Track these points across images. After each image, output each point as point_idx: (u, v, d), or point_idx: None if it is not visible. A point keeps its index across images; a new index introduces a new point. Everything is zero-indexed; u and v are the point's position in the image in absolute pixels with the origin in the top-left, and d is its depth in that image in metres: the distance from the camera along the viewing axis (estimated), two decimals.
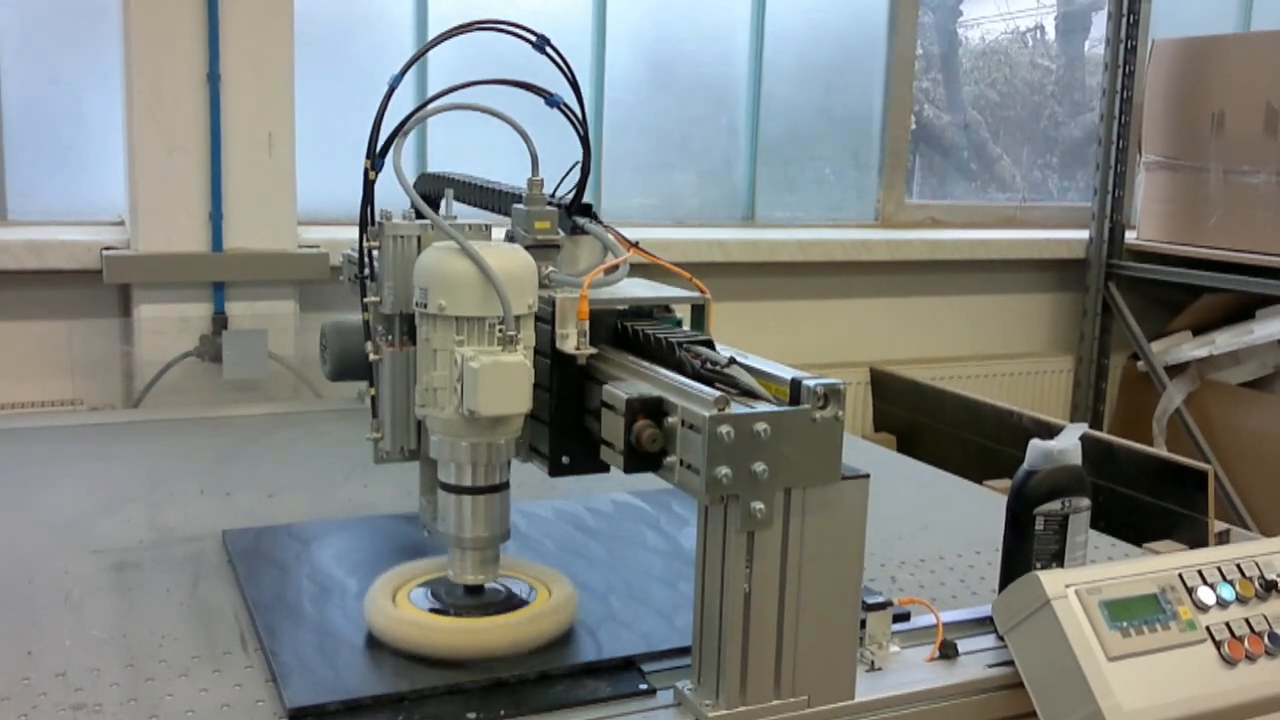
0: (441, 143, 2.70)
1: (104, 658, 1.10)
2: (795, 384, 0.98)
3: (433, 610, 1.15)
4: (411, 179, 1.59)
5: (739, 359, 1.03)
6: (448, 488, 1.13)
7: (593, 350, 1.08)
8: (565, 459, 1.10)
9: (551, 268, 1.17)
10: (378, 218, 1.15)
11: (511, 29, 1.15)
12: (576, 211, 1.20)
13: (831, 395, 0.96)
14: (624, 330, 1.14)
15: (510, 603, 1.16)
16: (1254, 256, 2.94)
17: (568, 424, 1.09)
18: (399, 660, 1.08)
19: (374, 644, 1.12)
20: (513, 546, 1.38)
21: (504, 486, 1.14)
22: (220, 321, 2.24)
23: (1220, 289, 3.10)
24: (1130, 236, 3.29)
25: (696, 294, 1.14)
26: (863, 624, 1.11)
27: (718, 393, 0.94)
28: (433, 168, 2.62)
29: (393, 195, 1.14)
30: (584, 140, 1.20)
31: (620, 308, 1.14)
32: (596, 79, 2.88)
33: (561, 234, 1.18)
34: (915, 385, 2.92)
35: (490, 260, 1.03)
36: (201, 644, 1.13)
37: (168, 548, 1.39)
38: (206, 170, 2.19)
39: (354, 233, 2.56)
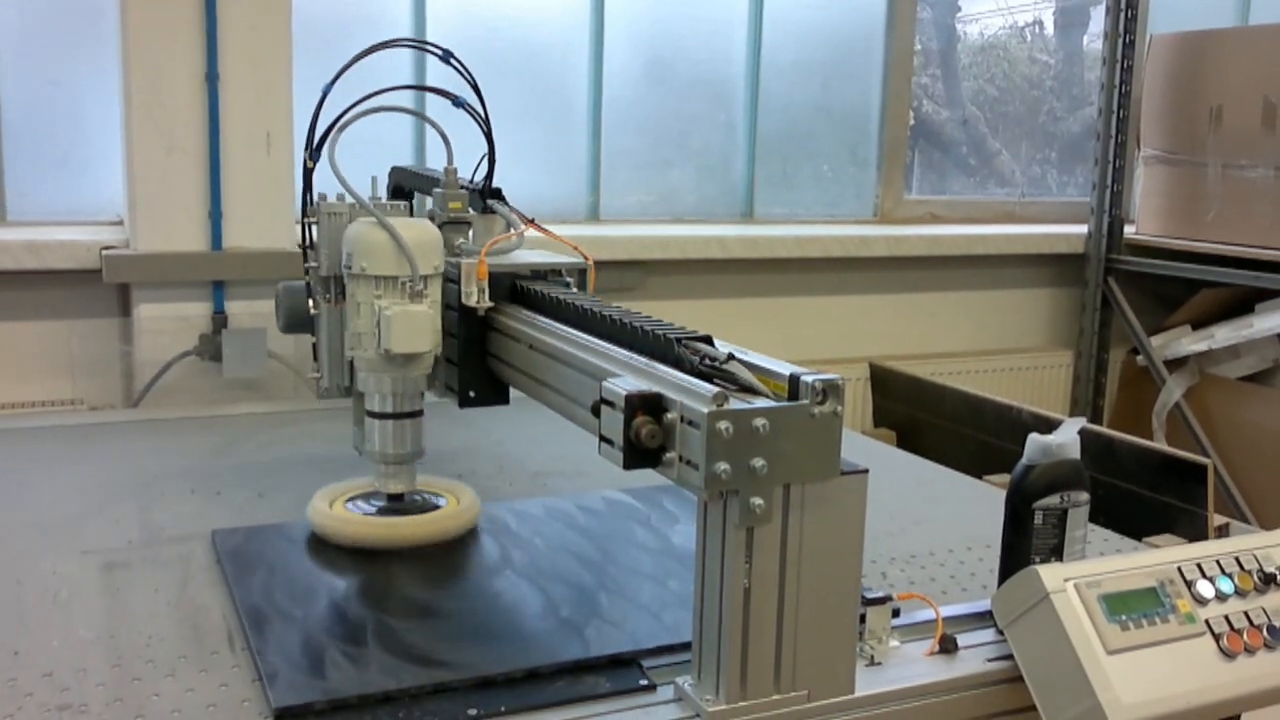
0: (435, 138, 2.70)
1: (91, 658, 1.10)
2: (794, 379, 0.98)
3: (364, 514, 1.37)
4: (388, 173, 1.74)
5: (737, 355, 1.03)
6: (373, 414, 1.38)
7: (491, 304, 1.31)
8: (471, 393, 1.36)
9: (462, 240, 1.44)
10: (314, 199, 1.39)
11: (419, 45, 1.52)
12: (487, 194, 1.44)
13: (830, 390, 0.96)
14: (520, 289, 1.36)
15: (425, 507, 1.40)
16: (1253, 250, 2.94)
17: (473, 364, 1.35)
18: (386, 659, 1.08)
19: (362, 643, 1.12)
20: (509, 544, 1.40)
21: (419, 413, 1.39)
22: (220, 320, 2.24)
23: (1219, 283, 3.10)
24: (1129, 231, 3.29)
25: (579, 259, 1.38)
26: (862, 619, 1.11)
27: (716, 388, 0.95)
28: (430, 160, 2.64)
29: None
30: (488, 135, 1.46)
31: (517, 271, 1.36)
32: (594, 76, 2.88)
33: (473, 212, 1.44)
34: (914, 381, 2.92)
35: (402, 231, 1.29)
36: (189, 644, 1.13)
37: (157, 548, 1.39)
38: (205, 169, 2.19)
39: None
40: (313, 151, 1.34)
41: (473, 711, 1.00)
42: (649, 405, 0.98)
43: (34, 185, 2.39)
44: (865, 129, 3.26)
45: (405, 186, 1.71)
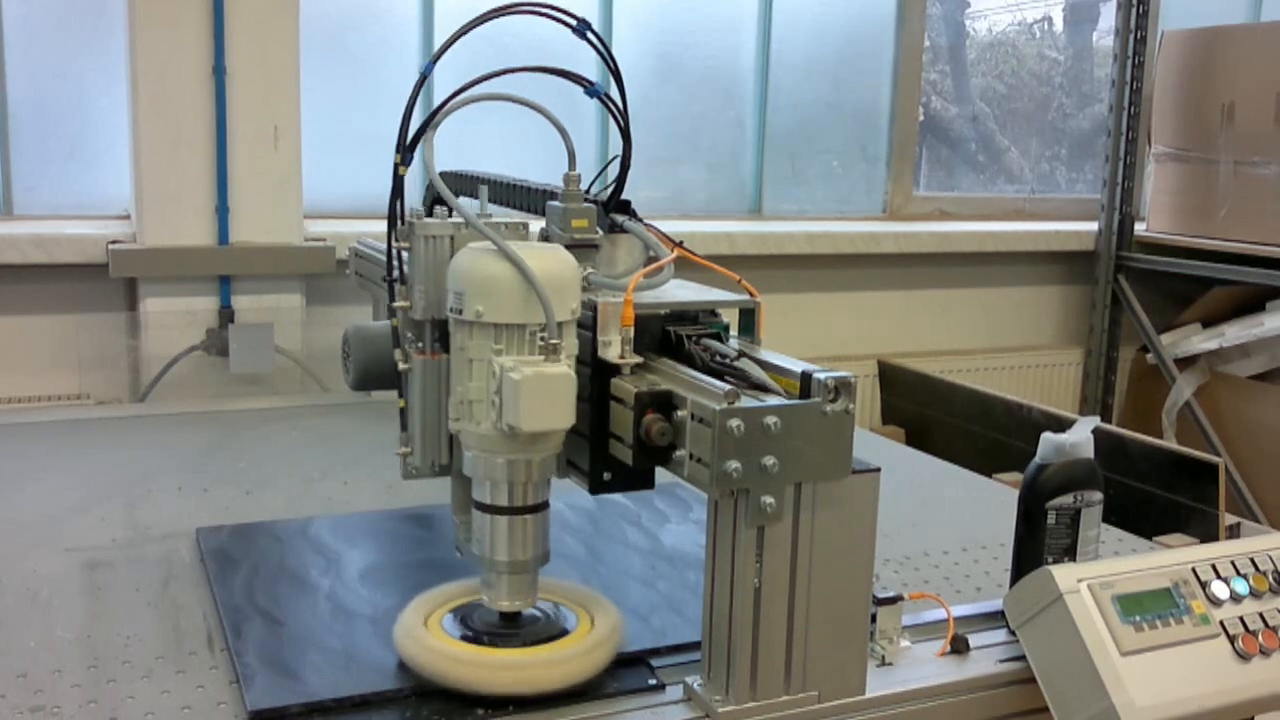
0: (452, 140, 2.69)
1: (67, 659, 1.08)
2: (805, 376, 0.97)
3: (464, 638, 1.05)
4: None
5: (748, 352, 1.02)
6: (483, 507, 1.04)
7: (638, 359, 1.01)
8: (607, 475, 1.03)
9: (590, 269, 1.08)
10: (408, 216, 1.06)
11: (551, 13, 1.08)
12: (615, 209, 1.13)
13: (842, 388, 0.95)
14: (669, 337, 1.06)
15: (549, 631, 1.06)
16: (1265, 248, 2.92)
17: (610, 438, 1.02)
18: (365, 660, 1.06)
19: (342, 644, 1.09)
20: None
21: (544, 506, 1.04)
22: (226, 315, 2.24)
23: (1230, 281, 3.08)
24: (1139, 228, 3.28)
25: (746, 296, 1.09)
26: (873, 619, 1.10)
27: (728, 386, 0.94)
28: (440, 165, 2.62)
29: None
30: (625, 132, 1.13)
31: (681, 311, 1.07)
32: (603, 72, 2.87)
33: (600, 233, 1.10)
34: (923, 378, 2.91)
35: (531, 262, 0.95)
36: (167, 645, 1.11)
37: (140, 546, 1.36)
38: (212, 164, 2.19)
39: (359, 226, 2.56)
40: (405, 153, 1.03)
41: (481, 711, 0.99)
42: (659, 402, 0.97)
43: (40, 179, 2.39)
44: (875, 125, 3.24)
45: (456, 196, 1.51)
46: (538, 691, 0.99)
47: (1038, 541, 1.19)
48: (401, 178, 1.05)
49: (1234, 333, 3.01)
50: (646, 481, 1.03)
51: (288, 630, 1.13)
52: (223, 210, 2.19)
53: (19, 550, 1.34)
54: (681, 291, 1.10)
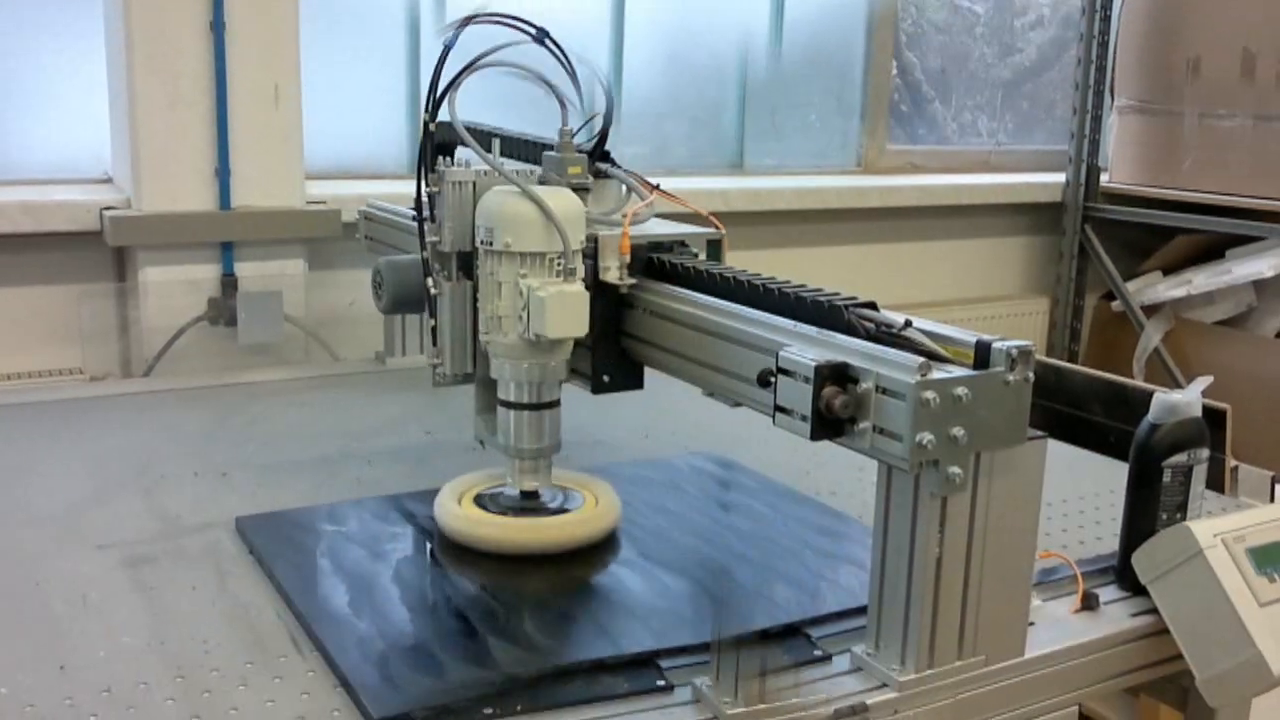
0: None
1: (148, 669, 1.01)
2: (982, 346, 0.97)
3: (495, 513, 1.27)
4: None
5: (914, 322, 1.02)
6: (508, 404, 1.27)
7: (633, 280, 1.24)
8: (606, 377, 1.27)
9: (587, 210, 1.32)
10: (437, 166, 1.26)
11: (511, 22, 1.27)
12: (599, 158, 1.32)
13: (1022, 357, 0.96)
14: (655, 263, 1.27)
15: (563, 507, 1.30)
16: (1229, 198, 3.02)
17: (609, 346, 1.27)
18: (467, 652, 1.04)
19: (437, 638, 1.07)
20: None
21: (556, 403, 1.29)
22: (229, 283, 2.15)
23: (1195, 230, 3.18)
24: (1103, 179, 3.35)
25: (713, 230, 1.32)
26: None
27: (917, 358, 0.93)
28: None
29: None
30: (608, 94, 1.33)
31: (658, 242, 1.28)
32: (616, 32, 2.82)
33: (590, 178, 1.29)
34: None
35: (550, 202, 1.17)
36: (251, 648, 1.05)
37: (178, 539, 1.29)
38: (212, 124, 2.08)
39: (362, 187, 2.50)
40: (432, 111, 1.22)
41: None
42: (836, 375, 0.97)
43: (9, 140, 2.25)
44: (850, 78, 3.25)
45: (449, 143, 1.62)
46: (561, 547, 1.25)
47: (1153, 500, 1.21)
48: (432, 134, 1.25)
49: (1201, 280, 3.11)
50: (637, 383, 1.29)
51: (376, 626, 1.08)
52: (224, 173, 2.10)
53: (47, 549, 1.25)
54: (660, 226, 1.33)
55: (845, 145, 3.29)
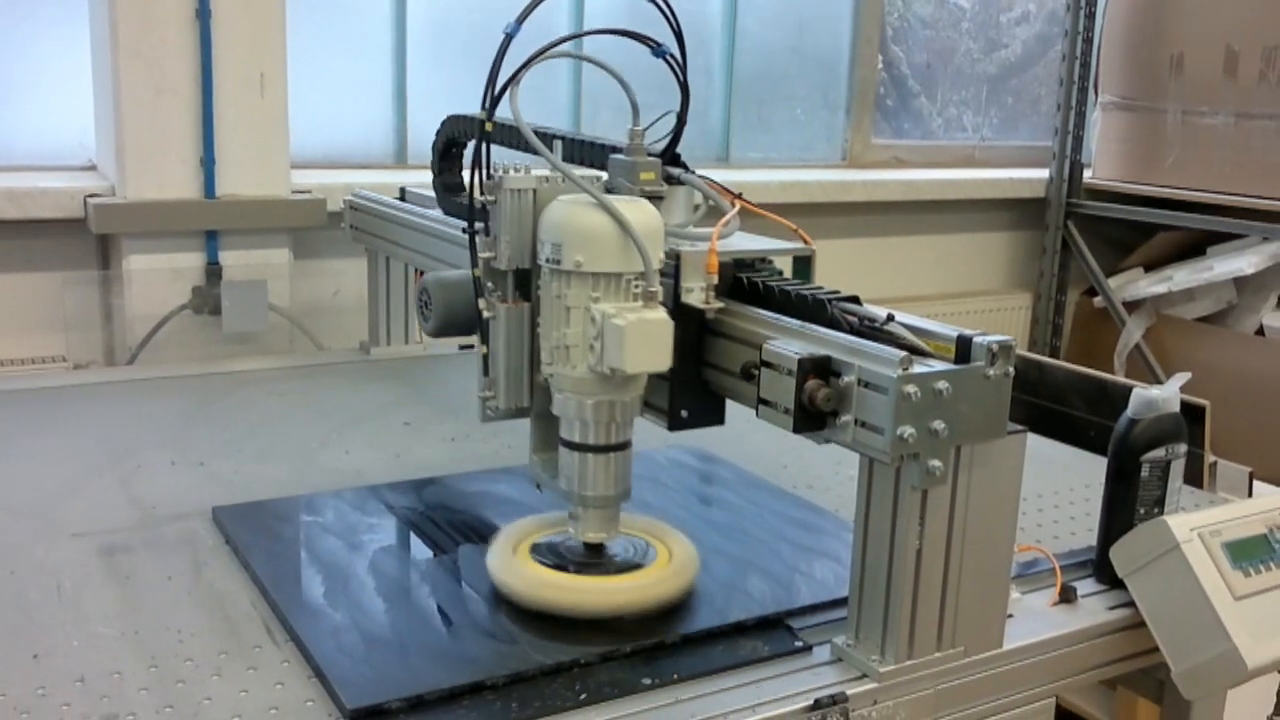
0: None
1: (122, 658, 1.00)
2: (963, 340, 0.98)
3: (554, 567, 1.12)
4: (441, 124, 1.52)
5: (896, 316, 1.03)
6: (573, 446, 1.10)
7: (720, 304, 1.08)
8: (684, 413, 1.11)
9: None
10: (494, 170, 1.09)
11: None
12: (669, 161, 1.17)
13: (1002, 352, 0.97)
14: (741, 282, 1.13)
15: (631, 562, 1.14)
16: (1211, 195, 3.04)
17: (689, 378, 1.10)
18: (442, 646, 1.04)
19: (411, 629, 1.06)
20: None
21: (627, 444, 1.12)
22: (214, 272, 2.15)
23: (1177, 227, 3.20)
24: (1086, 176, 3.37)
25: (801, 245, 1.18)
26: None
27: (899, 352, 0.94)
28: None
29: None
30: (684, 89, 1.18)
31: (745, 259, 1.14)
32: (576, 15, 2.81)
33: (664, 185, 1.14)
34: None
35: (627, 214, 1.01)
36: (226, 638, 1.04)
37: (154, 529, 1.28)
38: (197, 112, 2.08)
39: (347, 177, 2.48)
40: (490, 107, 1.06)
41: (646, 681, 0.98)
42: (819, 368, 0.97)
43: None
44: (836, 72, 3.25)
45: (464, 140, 1.50)
46: (632, 613, 1.07)
47: (1130, 495, 1.22)
48: (489, 134, 1.08)
49: (1182, 277, 3.13)
50: (718, 419, 1.13)
51: (351, 617, 1.08)
52: (209, 161, 2.09)
53: (22, 537, 1.24)
54: (744, 241, 1.17)
55: (831, 139, 3.30)
